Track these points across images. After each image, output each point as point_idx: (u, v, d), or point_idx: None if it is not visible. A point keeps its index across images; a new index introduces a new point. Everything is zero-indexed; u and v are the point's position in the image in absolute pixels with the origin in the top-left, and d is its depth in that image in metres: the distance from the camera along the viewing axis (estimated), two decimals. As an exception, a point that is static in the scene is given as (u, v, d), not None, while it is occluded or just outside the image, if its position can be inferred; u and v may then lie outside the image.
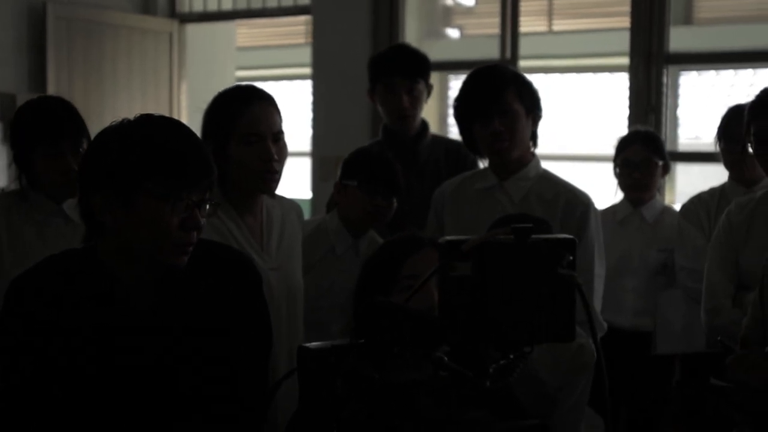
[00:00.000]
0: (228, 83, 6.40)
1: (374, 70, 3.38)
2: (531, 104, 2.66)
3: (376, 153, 3.07)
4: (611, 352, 2.72)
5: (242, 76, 6.92)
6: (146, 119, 1.84)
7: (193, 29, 6.07)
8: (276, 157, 2.35)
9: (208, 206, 1.79)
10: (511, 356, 1.45)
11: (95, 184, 1.76)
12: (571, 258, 1.41)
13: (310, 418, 1.66)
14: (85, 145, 2.67)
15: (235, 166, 2.34)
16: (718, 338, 3.08)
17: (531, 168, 2.71)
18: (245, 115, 2.34)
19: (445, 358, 1.43)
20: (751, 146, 2.69)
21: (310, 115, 5.46)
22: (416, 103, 3.32)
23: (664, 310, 3.52)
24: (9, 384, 1.80)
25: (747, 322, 2.32)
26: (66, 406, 1.77)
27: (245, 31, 7.66)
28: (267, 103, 2.38)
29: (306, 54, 6.54)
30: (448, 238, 1.41)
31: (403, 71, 3.29)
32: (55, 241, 2.61)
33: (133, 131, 1.78)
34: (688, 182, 5.23)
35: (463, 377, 1.43)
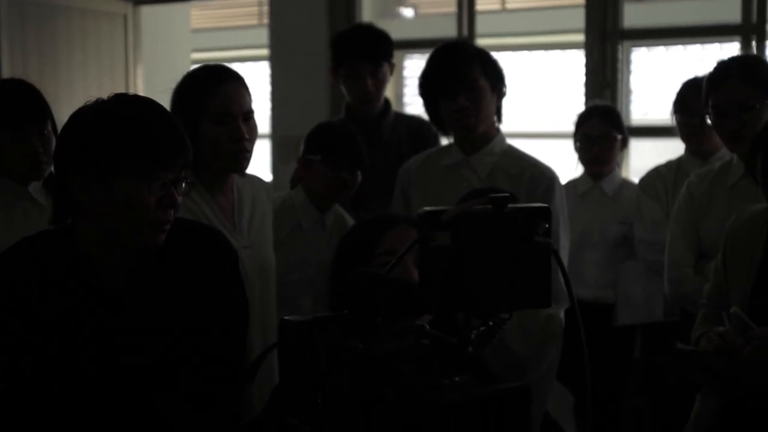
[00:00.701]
0: (184, 66, 6.35)
1: (338, 51, 3.39)
2: (496, 80, 2.70)
3: (338, 127, 3.11)
4: (574, 325, 2.79)
5: (197, 58, 6.88)
6: (121, 98, 1.84)
7: (147, 11, 6.02)
8: (247, 136, 2.36)
9: (183, 185, 1.81)
10: (490, 323, 1.49)
11: (72, 165, 1.76)
12: (546, 226, 1.45)
13: (293, 391, 1.68)
14: (49, 127, 2.67)
15: (206, 145, 2.35)
16: (679, 308, 3.17)
17: (496, 143, 2.75)
18: (217, 95, 2.35)
19: (427, 326, 1.47)
20: (710, 117, 2.74)
21: (266, 96, 5.44)
22: (380, 85, 3.35)
23: (625, 283, 3.59)
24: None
25: (709, 288, 2.38)
26: (42, 387, 1.78)
27: (197, 13, 7.60)
28: (237, 82, 2.39)
29: (258, 35, 6.51)
30: (427, 209, 1.44)
31: (367, 55, 3.29)
32: (22, 223, 2.60)
33: (108, 110, 1.78)
34: (639, 158, 5.31)
35: (445, 344, 1.46)
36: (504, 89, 2.74)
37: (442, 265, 1.41)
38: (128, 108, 1.79)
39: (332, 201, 3.01)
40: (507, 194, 1.47)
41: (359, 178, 2.97)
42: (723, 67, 2.74)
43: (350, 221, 3.07)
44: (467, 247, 1.42)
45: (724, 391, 2.21)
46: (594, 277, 3.62)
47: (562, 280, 2.77)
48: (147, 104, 1.82)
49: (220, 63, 2.49)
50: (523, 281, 1.45)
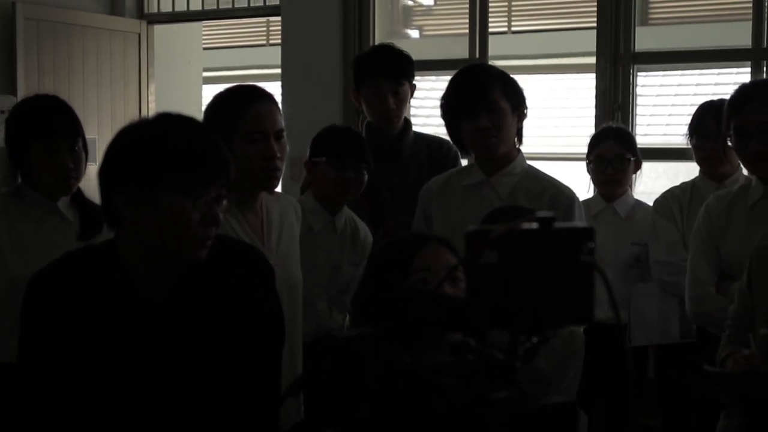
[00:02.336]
0: (196, 83, 6.40)
1: (359, 71, 3.42)
2: (516, 101, 2.74)
3: (341, 128, 3.19)
4: (588, 344, 2.82)
5: (208, 76, 6.92)
6: (165, 117, 1.88)
7: (160, 30, 6.07)
8: (279, 155, 2.40)
9: (224, 202, 1.84)
10: (535, 340, 1.52)
11: (117, 181, 1.80)
12: (591, 245, 1.49)
13: (334, 404, 1.70)
14: (80, 144, 2.71)
15: (237, 164, 2.38)
16: (694, 327, 3.20)
17: (517, 164, 2.79)
18: (249, 113, 2.38)
19: (473, 342, 1.50)
20: (731, 141, 2.78)
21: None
22: (401, 104, 3.38)
23: (638, 303, 3.61)
24: (26, 377, 1.83)
25: (733, 309, 2.41)
26: (84, 402, 1.80)
27: (208, 32, 7.65)
28: (269, 101, 2.44)
29: (266, 55, 6.55)
30: (473, 227, 1.47)
31: (388, 73, 3.33)
32: (52, 238, 2.65)
33: (153, 128, 1.83)
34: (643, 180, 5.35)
35: (492, 360, 1.49)
36: (525, 110, 2.78)
37: (489, 283, 1.45)
38: (173, 126, 1.83)
39: (341, 201, 3.08)
40: (553, 214, 1.50)
41: (365, 177, 3.05)
42: (745, 90, 2.78)
43: (361, 224, 3.13)
44: (514, 265, 1.45)
45: (749, 411, 2.23)
46: (606, 298, 3.64)
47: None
48: (191, 122, 1.86)
49: (252, 84, 2.53)
50: (567, 299, 1.48)
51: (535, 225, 1.46)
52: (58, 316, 1.81)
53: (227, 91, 2.47)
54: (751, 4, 4.47)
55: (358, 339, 1.60)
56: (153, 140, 1.79)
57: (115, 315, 1.81)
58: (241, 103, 2.40)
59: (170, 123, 1.84)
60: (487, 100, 2.69)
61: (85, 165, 2.75)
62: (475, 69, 2.84)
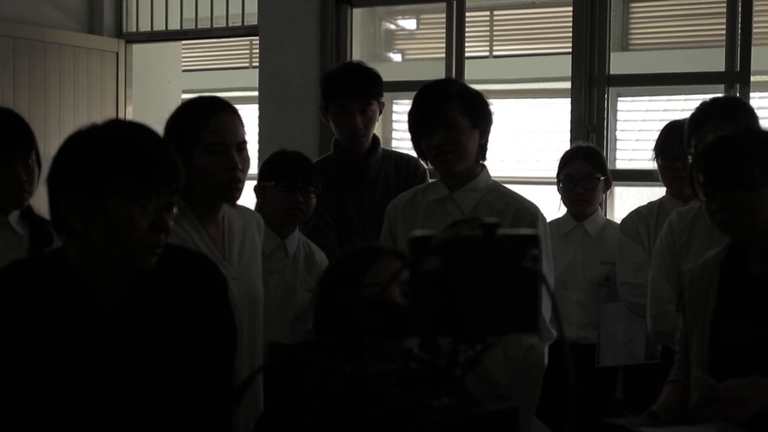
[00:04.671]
0: (174, 105, 6.39)
1: (327, 89, 3.42)
2: (477, 117, 2.74)
3: (289, 152, 3.20)
4: (557, 363, 2.82)
5: (188, 99, 6.92)
6: (115, 123, 1.88)
7: (139, 49, 6.07)
8: (240, 166, 2.39)
9: (175, 209, 1.83)
10: (478, 347, 1.51)
11: (65, 187, 1.79)
12: (535, 252, 1.48)
13: (279, 414, 1.69)
14: (33, 158, 2.69)
15: (198, 175, 2.37)
16: (659, 348, 3.20)
17: (480, 180, 2.79)
18: (210, 124, 2.38)
19: (415, 349, 1.49)
20: (692, 159, 2.79)
21: (255, 136, 5.48)
22: (369, 123, 3.38)
23: (607, 323, 3.61)
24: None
25: (678, 336, 2.43)
26: (33, 411, 1.78)
27: (188, 54, 7.66)
28: (231, 113, 2.43)
29: (249, 77, 6.54)
30: (417, 233, 1.47)
31: (357, 93, 3.33)
32: (2, 253, 2.59)
33: (102, 134, 1.82)
34: (623, 203, 5.36)
35: (434, 367, 1.48)
36: (488, 126, 2.78)
37: (431, 289, 1.44)
38: (122, 132, 1.83)
39: (291, 225, 3.10)
40: (497, 221, 1.50)
41: (314, 200, 3.08)
42: (705, 108, 2.80)
43: (317, 250, 3.13)
44: (456, 271, 1.44)
45: None
46: (576, 317, 3.64)
47: (546, 318, 2.79)
48: (141, 129, 1.86)
49: (214, 95, 2.53)
50: (511, 306, 1.47)
51: (479, 231, 1.46)
52: (4, 325, 1.79)
53: (188, 102, 2.47)
54: (724, 31, 4.51)
55: (302, 347, 1.59)
56: (102, 145, 1.78)
57: (64, 323, 1.79)
58: (202, 114, 2.40)
59: (120, 128, 1.84)
60: (442, 116, 2.70)
61: (38, 178, 2.72)
62: (434, 86, 2.86)
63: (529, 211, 2.73)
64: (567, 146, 4.65)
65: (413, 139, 2.82)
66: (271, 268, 3.00)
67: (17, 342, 1.78)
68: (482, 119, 2.75)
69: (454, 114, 2.70)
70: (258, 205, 3.17)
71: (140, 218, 1.76)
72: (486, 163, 2.84)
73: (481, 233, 1.46)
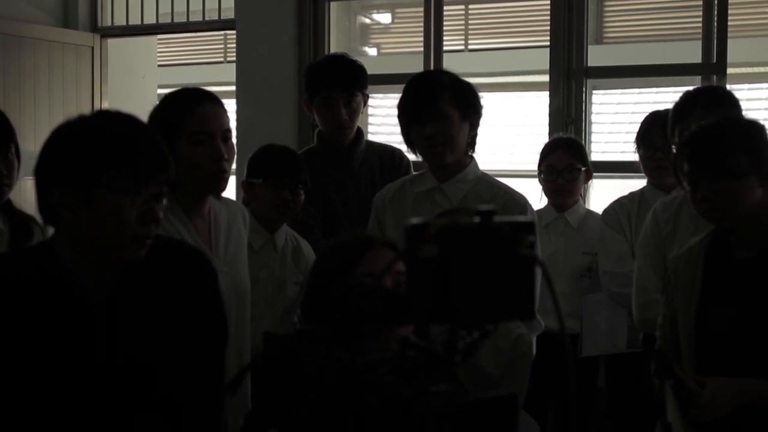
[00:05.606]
0: (150, 99, 6.35)
1: (312, 81, 3.40)
2: (468, 109, 2.75)
3: (278, 148, 3.19)
4: (541, 354, 2.83)
5: (163, 93, 6.89)
6: (104, 114, 1.87)
7: (114, 44, 6.03)
8: (226, 156, 2.38)
9: (164, 200, 1.82)
10: (476, 334, 1.51)
11: (53, 179, 1.77)
12: (532, 239, 1.48)
13: (275, 404, 1.69)
14: (13, 151, 2.66)
15: (184, 166, 2.36)
16: (640, 336, 3.23)
17: (469, 171, 2.80)
18: (195, 114, 2.36)
19: (412, 337, 1.49)
20: (675, 148, 2.81)
21: (233, 131, 5.44)
22: (354, 115, 3.38)
23: (590, 313, 3.63)
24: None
25: (660, 320, 2.45)
26: (23, 403, 1.77)
27: (163, 49, 7.62)
28: (215, 103, 2.42)
29: (224, 72, 6.51)
30: (414, 221, 1.47)
31: (341, 85, 3.32)
32: None
33: (91, 125, 1.81)
34: (599, 195, 5.40)
35: (433, 354, 1.48)
36: (477, 118, 2.79)
37: (429, 277, 1.44)
38: (111, 123, 1.82)
39: (279, 221, 3.10)
40: (493, 208, 1.50)
41: (302, 197, 3.07)
42: (689, 97, 2.82)
43: (303, 242, 3.13)
44: (453, 258, 1.44)
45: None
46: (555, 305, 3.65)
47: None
48: (129, 120, 1.84)
49: (197, 86, 2.52)
50: (507, 293, 1.47)
51: (475, 219, 1.46)
52: None
53: (172, 93, 2.46)
54: (700, 23, 4.54)
55: (297, 336, 1.59)
56: (90, 136, 1.77)
57: (53, 316, 1.78)
58: (185, 104, 2.39)
59: (108, 120, 1.83)
60: (434, 108, 2.70)
61: (18, 173, 2.69)
62: (425, 77, 2.87)
63: (517, 202, 2.74)
64: (543, 139, 4.68)
65: (403, 130, 2.82)
66: (260, 263, 3.00)
67: (5, 337, 1.76)
68: (473, 111, 2.76)
69: (445, 106, 2.70)
70: (245, 201, 3.16)
71: (130, 210, 1.75)
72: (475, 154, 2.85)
73: (478, 221, 1.46)
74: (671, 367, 2.11)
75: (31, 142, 4.64)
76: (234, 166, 5.40)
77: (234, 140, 5.35)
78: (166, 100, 2.45)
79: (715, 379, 2.13)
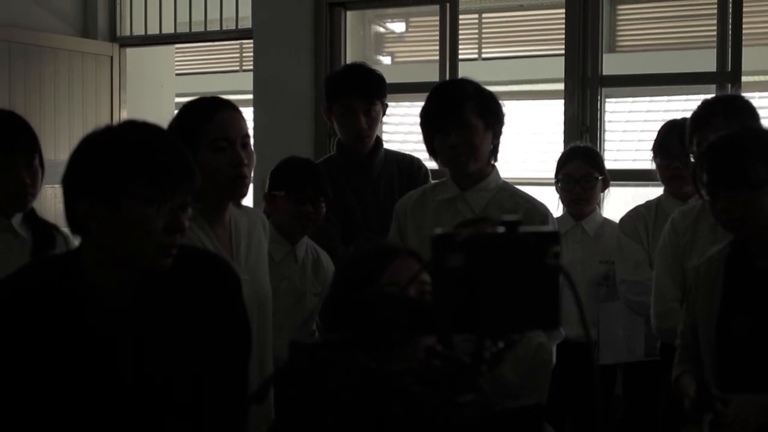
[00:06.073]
0: (168, 108, 6.40)
1: (331, 90, 3.43)
2: (491, 118, 2.77)
3: (300, 161, 3.21)
4: (559, 362, 2.84)
5: (180, 102, 6.92)
6: (131, 124, 1.89)
7: (133, 53, 6.07)
8: (246, 161, 2.40)
9: (189, 210, 1.84)
10: (501, 344, 1.53)
11: (80, 189, 1.79)
12: (557, 249, 1.50)
13: (300, 412, 1.70)
14: (37, 161, 2.68)
15: (204, 173, 2.37)
16: (658, 345, 3.24)
17: (491, 180, 2.81)
18: (214, 121, 2.39)
19: (438, 347, 1.51)
20: (694, 157, 2.81)
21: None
22: (373, 123, 3.40)
23: (607, 322, 3.64)
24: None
25: (681, 328, 2.46)
26: (46, 411, 1.79)
27: (180, 58, 7.67)
28: (233, 109, 2.45)
29: (241, 80, 6.53)
30: (439, 231, 1.49)
31: (360, 93, 3.34)
32: (5, 256, 2.59)
33: (118, 135, 1.82)
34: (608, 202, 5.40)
35: (459, 363, 1.50)
36: (500, 127, 2.80)
37: (455, 287, 1.46)
38: (138, 133, 1.84)
39: (300, 234, 3.11)
40: (519, 218, 1.51)
41: (323, 209, 3.09)
42: (707, 106, 2.82)
43: (323, 253, 3.15)
44: (480, 268, 1.46)
45: None
46: (576, 316, 3.66)
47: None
48: (156, 130, 1.87)
49: (215, 95, 2.55)
50: (533, 303, 1.49)
51: (501, 229, 1.48)
52: (16, 329, 1.79)
53: (190, 102, 2.49)
54: (715, 31, 4.55)
55: (323, 346, 1.60)
56: (117, 147, 1.78)
57: (76, 324, 1.79)
58: (204, 112, 2.41)
59: (135, 130, 1.85)
60: (458, 117, 2.72)
61: (42, 182, 2.71)
62: (450, 85, 2.89)
63: (539, 211, 2.75)
64: (556, 147, 4.69)
65: (426, 138, 2.83)
66: (281, 274, 3.02)
67: (31, 345, 1.77)
68: (496, 120, 2.78)
69: (470, 115, 2.72)
70: (266, 212, 3.18)
71: (156, 219, 1.76)
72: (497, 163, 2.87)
73: (503, 231, 1.48)
74: (711, 398, 2.12)
75: (51, 151, 4.69)
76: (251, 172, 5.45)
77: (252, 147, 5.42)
78: (184, 109, 2.47)
79: (739, 396, 2.15)
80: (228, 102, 2.47)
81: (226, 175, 2.38)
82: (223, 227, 2.49)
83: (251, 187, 5.49)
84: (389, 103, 3.49)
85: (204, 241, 2.41)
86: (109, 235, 1.78)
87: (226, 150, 2.38)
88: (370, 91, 3.35)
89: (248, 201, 5.47)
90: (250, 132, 5.44)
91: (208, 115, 2.40)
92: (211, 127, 2.38)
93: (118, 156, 1.77)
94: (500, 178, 2.84)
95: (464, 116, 2.71)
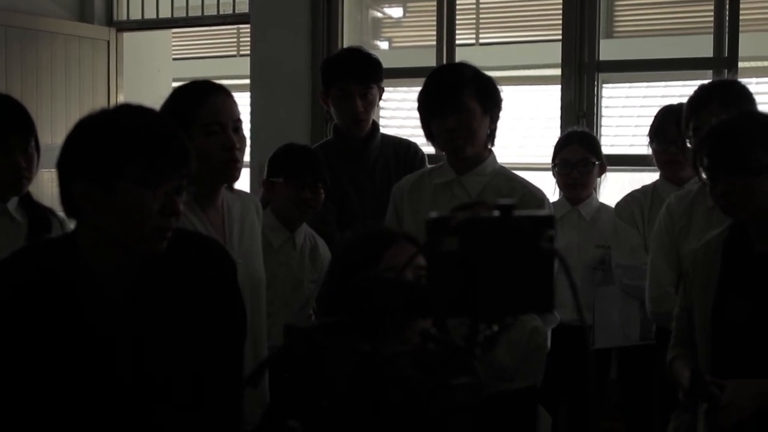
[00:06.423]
0: (165, 92, 6.38)
1: (328, 74, 3.43)
2: (489, 103, 2.77)
3: (298, 147, 3.21)
4: (554, 345, 2.85)
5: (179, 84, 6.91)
6: (125, 107, 1.89)
7: (129, 38, 6.06)
8: (237, 145, 2.40)
9: (184, 193, 1.84)
10: (495, 328, 1.54)
11: (75, 170, 1.78)
12: (552, 233, 1.51)
13: (296, 396, 1.71)
14: (33, 144, 2.67)
15: (197, 158, 2.38)
16: (653, 329, 3.25)
17: (488, 164, 2.81)
18: (205, 105, 2.38)
19: (432, 330, 1.52)
20: (690, 142, 2.82)
21: (245, 124, 5.47)
22: (370, 107, 3.39)
23: (602, 306, 3.64)
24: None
25: (677, 311, 2.47)
26: (42, 399, 1.78)
27: (177, 42, 7.65)
28: (224, 93, 2.44)
29: (238, 65, 6.52)
30: (435, 214, 1.49)
31: (357, 76, 3.34)
32: (1, 240, 2.58)
33: (113, 118, 1.82)
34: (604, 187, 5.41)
35: (453, 347, 1.51)
36: (498, 112, 2.80)
37: (450, 270, 1.46)
38: (133, 116, 1.83)
39: (299, 220, 3.12)
40: (514, 202, 1.52)
41: (322, 195, 3.09)
42: (703, 91, 2.82)
43: (320, 241, 3.16)
44: (474, 252, 1.47)
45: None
46: (571, 300, 3.66)
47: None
48: (151, 113, 1.86)
49: (205, 79, 2.55)
50: (527, 286, 1.49)
51: (496, 213, 1.48)
52: (13, 308, 1.79)
53: (181, 86, 2.48)
54: (712, 17, 4.55)
55: (319, 329, 1.61)
56: (113, 129, 1.78)
57: (73, 308, 1.79)
58: (195, 96, 2.40)
59: (130, 113, 1.84)
60: (456, 101, 2.72)
61: (37, 165, 2.70)
62: (448, 69, 2.88)
63: (535, 196, 2.76)
64: (554, 132, 4.69)
65: (423, 122, 2.83)
66: (279, 261, 3.03)
67: (27, 330, 1.77)
68: (494, 105, 2.78)
69: (468, 99, 2.71)
70: (265, 199, 3.19)
71: (151, 202, 1.76)
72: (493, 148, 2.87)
73: (498, 215, 1.49)
74: (706, 385, 2.13)
75: (48, 135, 4.69)
76: (248, 158, 5.45)
77: (248, 133, 5.42)
78: (176, 93, 2.46)
79: (734, 381, 2.16)
80: (220, 86, 2.46)
81: (218, 159, 2.38)
82: (216, 211, 2.48)
83: (248, 171, 5.53)
84: (387, 88, 3.48)
85: (196, 225, 2.40)
86: (104, 218, 1.78)
87: (218, 134, 2.37)
88: (366, 74, 3.35)
89: (245, 185, 5.49)
90: (247, 116, 5.48)
91: (199, 99, 2.39)
92: (203, 111, 2.37)
93: (114, 138, 1.77)
94: (497, 162, 2.85)
95: (462, 100, 2.71)
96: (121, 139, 1.76)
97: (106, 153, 1.76)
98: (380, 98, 3.46)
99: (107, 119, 1.82)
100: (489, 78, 2.81)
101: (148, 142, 1.77)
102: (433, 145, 2.89)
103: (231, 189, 2.53)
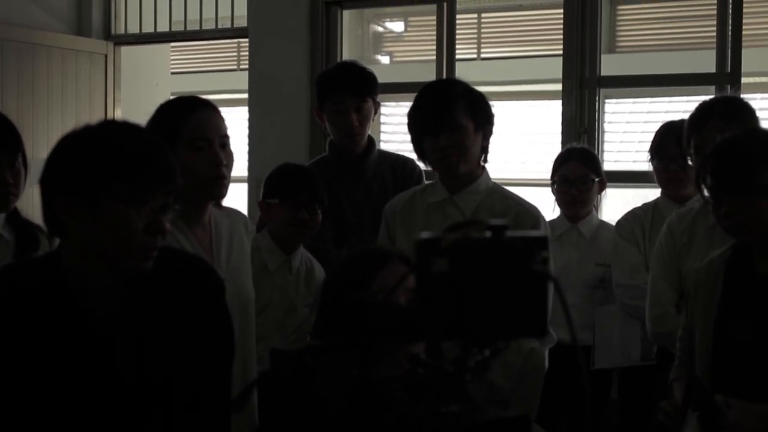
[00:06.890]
0: (163, 106, 6.36)
1: (322, 88, 3.40)
2: (481, 119, 2.72)
3: (294, 167, 3.17)
4: (553, 367, 2.80)
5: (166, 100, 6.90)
6: (110, 123, 1.86)
7: (127, 51, 6.04)
8: (224, 162, 2.36)
9: (170, 211, 1.81)
10: (487, 352, 1.49)
11: (60, 187, 1.75)
12: (545, 255, 1.46)
13: (286, 420, 1.67)
14: (20, 160, 2.63)
15: (183, 174, 2.34)
16: (654, 349, 3.21)
17: (481, 182, 2.77)
18: (191, 120, 2.35)
19: (422, 355, 1.47)
20: (691, 160, 2.77)
21: (244, 140, 5.45)
22: (365, 121, 3.36)
23: (602, 325, 3.60)
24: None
25: (680, 333, 2.43)
26: (26, 416, 1.75)
27: (176, 56, 7.64)
28: (211, 109, 2.41)
29: (238, 79, 6.50)
30: (425, 235, 1.44)
31: (352, 90, 3.30)
32: None
33: (98, 134, 1.79)
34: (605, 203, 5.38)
35: (443, 373, 1.46)
36: (491, 128, 2.76)
37: (440, 292, 1.42)
38: (117, 132, 1.80)
39: (296, 242, 3.06)
40: (505, 223, 1.48)
41: (319, 216, 3.04)
42: (705, 108, 2.79)
43: (317, 264, 3.11)
44: (465, 273, 1.42)
45: None
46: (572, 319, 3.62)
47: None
48: (136, 129, 1.83)
49: (192, 95, 2.52)
50: (520, 309, 1.45)
51: (487, 233, 1.43)
52: None
53: (167, 102, 2.46)
54: (714, 32, 4.51)
55: (308, 353, 1.57)
56: (97, 146, 1.75)
57: (57, 327, 1.76)
58: (182, 111, 2.38)
59: (114, 129, 1.82)
60: (448, 119, 2.67)
61: (25, 181, 2.67)
62: (439, 86, 2.83)
63: (530, 214, 2.71)
64: (555, 148, 4.65)
65: (414, 140, 2.79)
66: (274, 284, 2.98)
67: (10, 349, 1.74)
68: (486, 120, 2.73)
69: (460, 116, 2.67)
70: (262, 222, 3.15)
71: (136, 220, 1.73)
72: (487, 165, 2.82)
73: (489, 235, 1.44)
74: (711, 398, 2.09)
75: (45, 150, 4.61)
76: (246, 173, 5.40)
77: (246, 148, 5.40)
78: (161, 109, 2.43)
79: (740, 402, 2.11)
80: (206, 101, 2.43)
81: (205, 175, 2.34)
82: (203, 229, 2.44)
83: (245, 187, 5.48)
84: (388, 103, 3.44)
85: (183, 244, 2.36)
86: (88, 236, 1.75)
87: (204, 150, 2.34)
88: (360, 87, 3.32)
89: (243, 201, 5.44)
90: (246, 131, 5.44)
91: (185, 114, 2.36)
92: (189, 127, 2.34)
93: (97, 155, 1.74)
94: (490, 180, 2.80)
95: (454, 117, 2.66)
96: (105, 156, 1.74)
97: (90, 170, 1.73)
98: (376, 112, 3.43)
99: (90, 136, 1.79)
100: (480, 93, 2.77)
101: (133, 159, 1.74)
102: (425, 163, 2.85)
103: (219, 206, 2.49)
